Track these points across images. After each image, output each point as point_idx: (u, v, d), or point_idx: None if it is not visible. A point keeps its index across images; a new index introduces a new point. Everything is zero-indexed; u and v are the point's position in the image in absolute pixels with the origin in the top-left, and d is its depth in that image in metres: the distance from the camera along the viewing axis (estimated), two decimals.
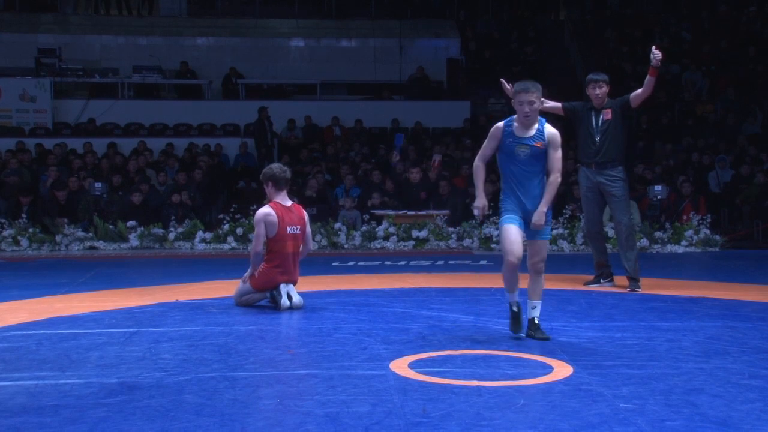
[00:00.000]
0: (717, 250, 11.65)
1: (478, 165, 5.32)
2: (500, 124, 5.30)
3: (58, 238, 12.00)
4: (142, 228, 12.11)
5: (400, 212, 12.41)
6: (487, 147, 5.31)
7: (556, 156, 5.20)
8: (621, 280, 7.92)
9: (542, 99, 7.68)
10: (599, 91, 7.54)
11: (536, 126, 5.22)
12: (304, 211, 6.84)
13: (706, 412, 3.82)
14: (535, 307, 5.37)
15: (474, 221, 11.99)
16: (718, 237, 11.83)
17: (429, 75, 19.16)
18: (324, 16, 21.24)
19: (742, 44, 19.01)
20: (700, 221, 11.92)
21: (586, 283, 7.95)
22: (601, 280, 7.91)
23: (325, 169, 14.78)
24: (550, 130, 5.23)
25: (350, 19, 21.01)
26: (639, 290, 7.54)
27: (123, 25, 20.35)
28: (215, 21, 20.78)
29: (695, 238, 11.77)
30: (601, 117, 7.57)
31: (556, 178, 5.20)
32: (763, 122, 16.65)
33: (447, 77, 19.72)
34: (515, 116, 5.26)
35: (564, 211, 11.84)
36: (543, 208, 5.16)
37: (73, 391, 4.24)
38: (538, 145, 5.18)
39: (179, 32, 20.21)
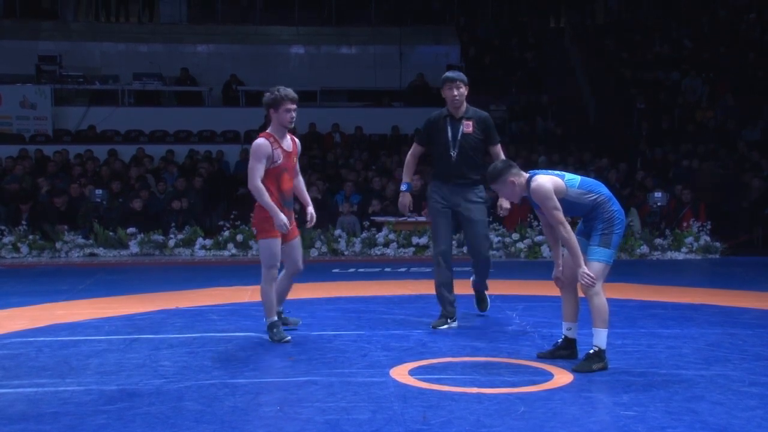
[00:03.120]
0: (717, 257, 11.64)
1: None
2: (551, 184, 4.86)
3: (58, 244, 11.98)
4: (142, 235, 12.09)
5: (400, 219, 12.39)
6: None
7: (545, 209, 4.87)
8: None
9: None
10: (457, 92, 6.36)
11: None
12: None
13: (707, 419, 3.82)
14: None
15: None
16: (718, 244, 11.83)
17: (429, 81, 19.13)
18: (324, 23, 21.24)
19: (742, 50, 19.03)
20: (700, 228, 11.92)
21: (434, 326, 6.21)
22: (448, 320, 6.25)
23: (325, 176, 14.77)
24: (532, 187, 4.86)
25: (350, 26, 21.03)
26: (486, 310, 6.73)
27: (123, 32, 20.37)
28: (215, 28, 20.78)
29: (695, 245, 11.77)
30: (460, 128, 6.39)
31: (559, 232, 4.83)
32: (763, 128, 16.66)
33: None
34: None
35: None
36: (580, 270, 4.82)
37: (73, 398, 4.24)
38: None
39: (179, 39, 20.22)
